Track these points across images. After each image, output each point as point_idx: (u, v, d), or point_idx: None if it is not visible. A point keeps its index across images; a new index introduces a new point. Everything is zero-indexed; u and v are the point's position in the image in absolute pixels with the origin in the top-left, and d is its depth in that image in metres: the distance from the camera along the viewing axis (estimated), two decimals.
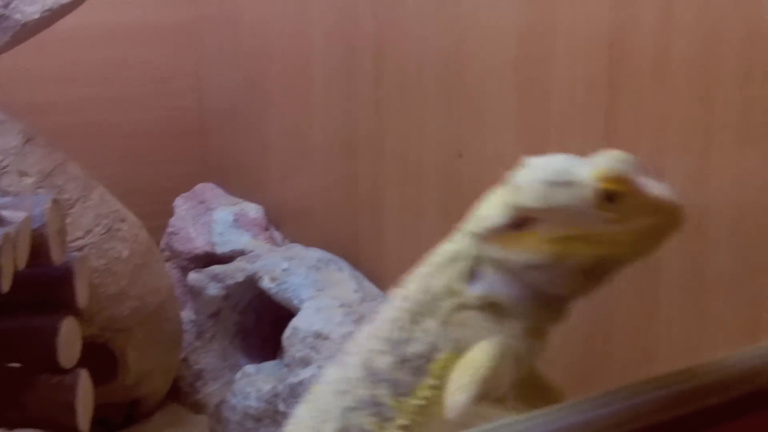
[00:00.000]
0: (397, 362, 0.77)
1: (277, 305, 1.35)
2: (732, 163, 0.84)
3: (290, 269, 1.32)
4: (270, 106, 1.70)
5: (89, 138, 1.82)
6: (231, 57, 1.82)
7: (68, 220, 1.22)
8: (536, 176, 0.72)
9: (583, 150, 0.99)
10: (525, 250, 0.72)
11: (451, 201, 1.23)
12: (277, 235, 1.66)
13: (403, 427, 0.76)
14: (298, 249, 1.43)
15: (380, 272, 1.40)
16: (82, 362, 1.15)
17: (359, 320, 1.24)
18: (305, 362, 1.20)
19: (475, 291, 0.76)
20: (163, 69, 1.91)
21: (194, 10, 1.92)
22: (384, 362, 0.77)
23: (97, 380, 1.20)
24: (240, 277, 1.39)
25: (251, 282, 1.37)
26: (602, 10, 0.96)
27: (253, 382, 1.27)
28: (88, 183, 1.31)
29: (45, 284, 1.13)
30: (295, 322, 1.23)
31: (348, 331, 1.22)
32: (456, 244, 0.78)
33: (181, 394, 1.43)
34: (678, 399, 0.69)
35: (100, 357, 1.26)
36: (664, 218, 0.70)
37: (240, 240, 1.59)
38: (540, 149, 1.05)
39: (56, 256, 1.11)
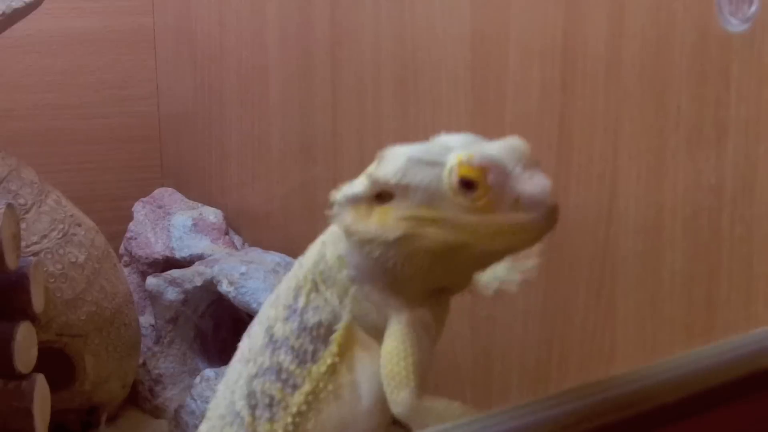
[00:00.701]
0: (298, 330, 0.75)
1: (236, 309, 1.35)
2: (685, 163, 0.85)
3: (248, 273, 1.32)
4: (228, 111, 1.70)
5: (46, 144, 1.82)
6: (188, 63, 1.82)
7: (23, 226, 1.21)
8: (404, 151, 0.70)
9: (539, 152, 1.00)
10: (373, 223, 0.69)
11: None
12: (237, 239, 1.66)
13: (308, 392, 0.75)
14: (256, 253, 1.43)
15: None
16: (38, 368, 1.14)
17: None
18: None
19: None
20: (121, 75, 1.91)
21: (151, 16, 1.92)
22: (285, 329, 0.76)
23: (54, 386, 1.19)
24: (198, 282, 1.38)
25: (210, 286, 1.37)
26: (555, 14, 0.97)
27: (212, 386, 1.26)
28: (44, 188, 1.30)
29: (0, 290, 1.12)
30: (252, 326, 1.23)
31: None
32: None
33: (140, 399, 1.43)
34: (630, 399, 0.70)
35: (56, 363, 1.25)
36: (527, 216, 0.65)
37: (199, 244, 1.59)
38: None
39: (11, 262, 1.10)
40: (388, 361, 0.70)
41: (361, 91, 1.30)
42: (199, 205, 1.70)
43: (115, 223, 1.71)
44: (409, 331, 0.71)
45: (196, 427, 1.26)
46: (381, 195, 0.70)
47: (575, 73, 0.96)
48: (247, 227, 1.68)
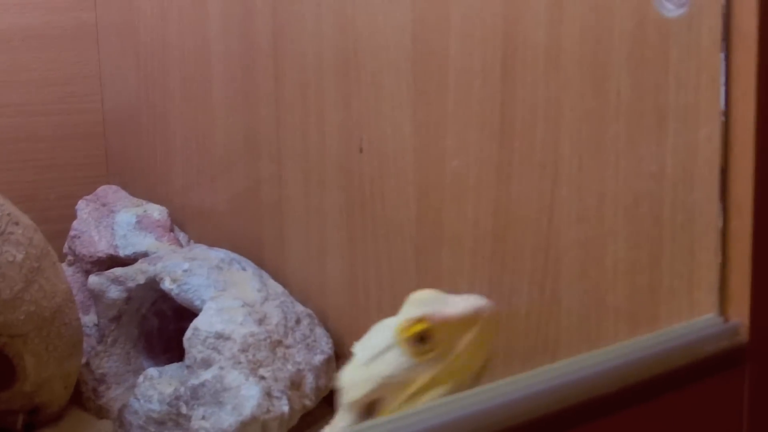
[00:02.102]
0: None
1: (181, 307, 1.33)
2: (626, 151, 0.85)
3: (191, 270, 1.30)
4: (171, 106, 1.68)
5: None
6: (132, 58, 1.80)
7: None
8: (354, 364, 0.75)
9: (480, 141, 0.99)
10: None
11: (354, 196, 1.22)
12: (182, 236, 1.64)
13: None
14: (200, 250, 1.41)
15: (285, 270, 1.39)
16: None
17: (262, 320, 1.23)
18: (207, 363, 1.18)
19: None
20: (63, 72, 1.89)
21: (93, 11, 1.90)
22: None
23: None
24: (141, 279, 1.36)
25: (153, 284, 1.35)
26: (495, 2, 0.96)
27: (155, 385, 1.24)
28: None
29: None
30: (195, 323, 1.22)
31: (250, 331, 1.20)
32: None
33: (83, 399, 1.40)
34: (572, 390, 0.69)
35: None
36: (479, 326, 0.73)
37: (143, 242, 1.57)
38: (437, 142, 1.05)
39: None
40: None
41: (304, 82, 1.29)
42: (144, 202, 1.68)
43: (59, 222, 1.69)
44: None
45: (140, 427, 1.25)
46: (369, 410, 0.74)
47: (515, 60, 0.95)
48: (193, 224, 1.66)
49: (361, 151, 1.19)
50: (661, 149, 0.81)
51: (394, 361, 0.72)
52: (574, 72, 0.89)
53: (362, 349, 0.75)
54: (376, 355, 0.73)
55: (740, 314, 0.76)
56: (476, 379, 0.77)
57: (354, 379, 0.74)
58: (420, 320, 0.72)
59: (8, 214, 1.26)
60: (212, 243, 1.51)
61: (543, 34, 0.91)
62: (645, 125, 0.83)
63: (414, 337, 0.71)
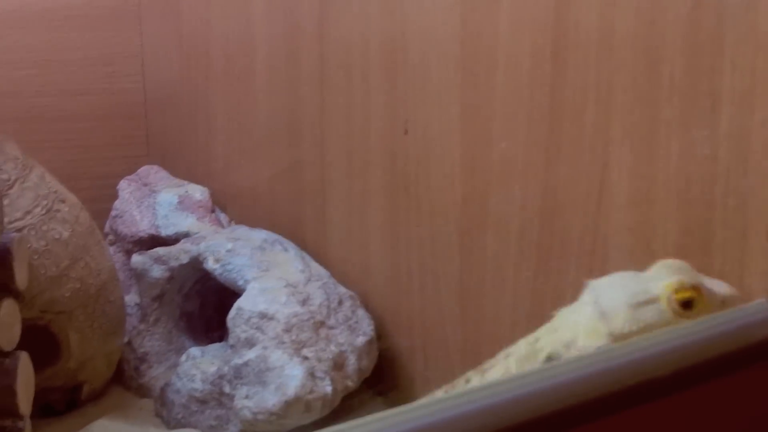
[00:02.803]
0: None
1: (223, 287, 1.33)
2: (678, 134, 0.84)
3: (234, 250, 1.31)
4: (214, 87, 1.68)
5: (30, 122, 1.81)
6: (174, 38, 1.80)
7: (6, 201, 1.20)
8: (620, 301, 0.78)
9: (528, 124, 0.99)
10: None
11: (397, 178, 1.22)
12: (223, 217, 1.64)
13: None
14: (242, 230, 1.42)
15: (326, 252, 1.39)
16: (22, 345, 1.12)
17: (305, 300, 1.23)
18: (250, 343, 1.18)
19: None
20: (105, 51, 1.90)
21: None
22: None
23: (39, 364, 1.18)
24: (184, 259, 1.37)
25: (195, 263, 1.35)
26: None
27: (198, 365, 1.25)
28: (27, 163, 1.28)
29: None
30: (239, 303, 1.22)
31: (294, 311, 1.20)
32: (532, 345, 0.83)
33: (125, 378, 1.41)
34: (624, 372, 0.69)
35: (41, 340, 1.24)
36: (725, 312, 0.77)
37: (185, 222, 1.57)
38: (485, 125, 1.05)
39: None
40: None
41: (349, 64, 1.29)
42: (185, 182, 1.69)
43: (100, 202, 1.70)
44: None
45: (183, 405, 1.25)
46: None
47: (567, 43, 0.94)
48: (233, 205, 1.66)
49: (406, 132, 1.19)
50: (715, 133, 0.81)
51: (658, 313, 0.76)
52: (626, 55, 0.88)
53: (617, 287, 0.79)
54: (642, 301, 0.77)
55: None
56: None
57: (617, 313, 0.77)
58: (693, 287, 0.76)
59: (55, 192, 1.27)
60: (253, 224, 1.51)
61: (595, 15, 0.91)
62: (698, 109, 0.82)
63: (683, 300, 0.75)
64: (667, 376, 0.70)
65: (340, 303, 1.26)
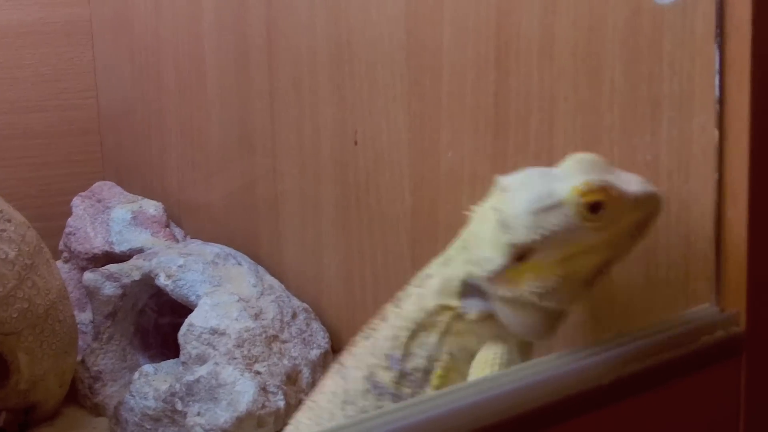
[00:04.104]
0: (398, 377, 0.80)
1: (177, 303, 1.32)
2: (620, 140, 0.84)
3: (186, 265, 1.30)
4: (166, 102, 1.67)
5: None
6: (126, 54, 1.79)
7: None
8: (522, 207, 0.74)
9: (474, 133, 0.99)
10: (533, 282, 0.74)
11: (349, 189, 1.21)
12: (178, 231, 1.63)
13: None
14: (195, 245, 1.41)
15: (281, 265, 1.39)
16: None
17: (258, 315, 1.22)
18: (202, 359, 1.18)
19: (470, 310, 0.79)
20: (58, 68, 1.88)
21: (87, 7, 1.89)
22: (386, 377, 0.81)
23: None
24: (136, 276, 1.36)
25: (148, 280, 1.34)
26: None
27: (151, 382, 1.24)
28: None
29: None
30: (190, 319, 1.21)
31: (245, 326, 1.20)
32: (446, 268, 0.81)
33: (80, 397, 1.40)
34: (568, 380, 0.69)
35: None
36: (646, 211, 0.73)
37: (139, 238, 1.56)
38: (432, 135, 1.05)
39: None
40: (479, 367, 0.78)
41: (298, 76, 1.28)
42: (139, 198, 1.67)
43: (55, 219, 1.69)
44: (504, 352, 0.78)
45: (136, 424, 1.24)
46: (519, 256, 0.74)
47: (509, 51, 0.94)
48: (189, 219, 1.65)
49: (355, 144, 1.19)
50: (656, 139, 0.81)
51: (563, 218, 0.72)
52: (567, 62, 0.88)
53: (522, 191, 0.75)
54: (546, 206, 0.72)
55: (737, 304, 0.76)
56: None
57: (518, 222, 0.73)
58: (601, 189, 0.71)
59: (0, 211, 1.26)
60: (208, 238, 1.50)
61: (536, 23, 0.91)
62: (639, 115, 0.82)
63: (589, 204, 0.71)
64: (611, 383, 0.70)
65: (294, 316, 1.26)
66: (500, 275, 0.75)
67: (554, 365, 0.70)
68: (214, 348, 1.17)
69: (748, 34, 0.73)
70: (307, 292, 1.33)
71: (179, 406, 1.18)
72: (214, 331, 1.19)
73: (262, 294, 1.26)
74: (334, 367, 0.86)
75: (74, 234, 1.61)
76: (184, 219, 1.66)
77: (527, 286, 0.74)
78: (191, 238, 1.59)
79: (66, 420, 1.38)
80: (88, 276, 1.40)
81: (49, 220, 1.69)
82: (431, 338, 0.80)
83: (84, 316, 1.48)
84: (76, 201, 1.68)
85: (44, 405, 1.33)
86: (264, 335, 1.20)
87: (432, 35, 1.04)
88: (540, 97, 0.91)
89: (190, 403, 1.16)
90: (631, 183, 0.73)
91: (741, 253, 0.75)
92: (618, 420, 0.71)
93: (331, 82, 1.22)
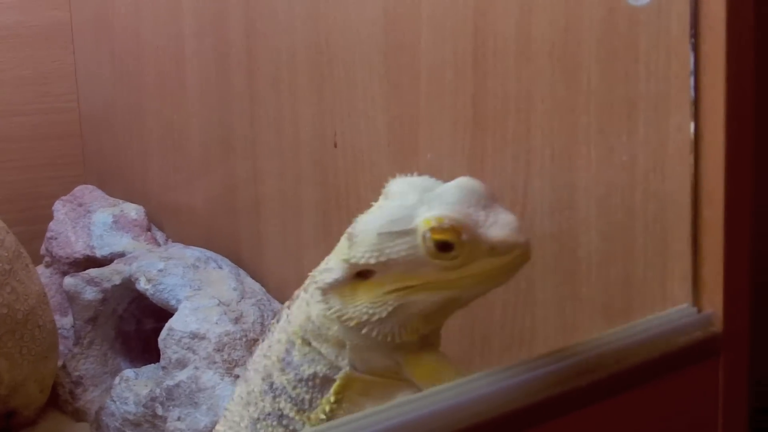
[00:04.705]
0: (295, 380, 0.78)
1: (157, 307, 1.32)
2: (597, 141, 0.84)
3: (166, 269, 1.29)
4: (147, 105, 1.67)
5: None
6: (107, 57, 1.79)
7: None
8: (373, 225, 0.71)
9: (453, 134, 0.99)
10: (362, 303, 0.71)
11: (329, 191, 1.21)
12: (160, 235, 1.63)
13: None
14: (176, 249, 1.40)
15: (262, 268, 1.38)
16: None
17: (238, 318, 1.22)
18: (182, 364, 1.17)
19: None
20: (39, 71, 1.88)
21: (68, 10, 1.88)
22: (282, 380, 0.78)
23: None
24: (117, 280, 1.35)
25: (128, 284, 1.34)
26: None
27: (131, 387, 1.23)
28: None
29: None
30: (170, 323, 1.21)
31: (225, 330, 1.19)
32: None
33: (61, 402, 1.39)
34: (546, 381, 0.69)
35: None
36: (503, 260, 0.68)
37: (120, 242, 1.56)
38: (411, 136, 1.04)
39: None
40: (429, 379, 0.74)
41: (277, 78, 1.28)
42: (120, 201, 1.67)
43: (37, 223, 1.68)
44: (438, 354, 0.76)
45: (117, 429, 1.24)
46: (361, 272, 0.71)
47: (486, 51, 0.94)
48: (170, 222, 1.65)
49: (335, 146, 1.18)
50: (632, 139, 0.80)
51: (408, 249, 0.68)
52: (544, 62, 0.88)
53: (384, 211, 0.71)
54: (396, 231, 0.69)
55: (714, 304, 0.76)
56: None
57: (363, 239, 0.70)
58: (452, 229, 0.67)
59: None
60: (190, 241, 1.50)
61: (513, 24, 0.90)
62: (616, 115, 0.82)
63: (438, 242, 0.67)
64: (589, 384, 0.70)
65: None
66: (336, 289, 0.72)
67: (531, 367, 0.69)
68: (194, 352, 1.17)
69: (722, 33, 0.72)
70: (288, 295, 1.32)
71: (160, 411, 1.18)
72: (194, 336, 1.18)
73: (242, 297, 1.26)
74: (243, 372, 0.85)
75: (56, 238, 1.60)
76: (166, 222, 1.65)
77: (356, 307, 0.71)
78: (173, 242, 1.59)
79: (47, 425, 1.37)
80: (69, 281, 1.39)
81: (31, 223, 1.68)
82: (327, 347, 0.76)
83: (66, 321, 1.47)
84: (58, 205, 1.68)
85: (25, 410, 1.33)
86: (244, 339, 1.19)
87: (410, 36, 1.03)
88: (517, 98, 0.91)
89: (171, 407, 1.16)
90: (497, 226, 0.69)
91: (718, 254, 0.75)
92: (596, 422, 0.71)
93: (310, 83, 1.21)
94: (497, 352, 0.99)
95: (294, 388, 0.78)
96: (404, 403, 0.64)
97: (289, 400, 0.78)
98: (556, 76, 0.87)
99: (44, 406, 1.38)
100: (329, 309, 0.73)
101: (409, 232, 0.69)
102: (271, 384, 0.79)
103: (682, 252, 0.77)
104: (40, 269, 1.57)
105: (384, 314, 0.70)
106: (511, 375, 0.68)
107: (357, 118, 1.14)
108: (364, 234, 0.71)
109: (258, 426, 0.80)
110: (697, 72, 0.74)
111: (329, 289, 0.73)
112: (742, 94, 0.74)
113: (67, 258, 1.57)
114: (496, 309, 0.98)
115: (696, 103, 0.74)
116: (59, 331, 1.43)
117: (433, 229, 0.67)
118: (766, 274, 0.83)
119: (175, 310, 1.24)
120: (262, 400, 0.80)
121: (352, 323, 0.72)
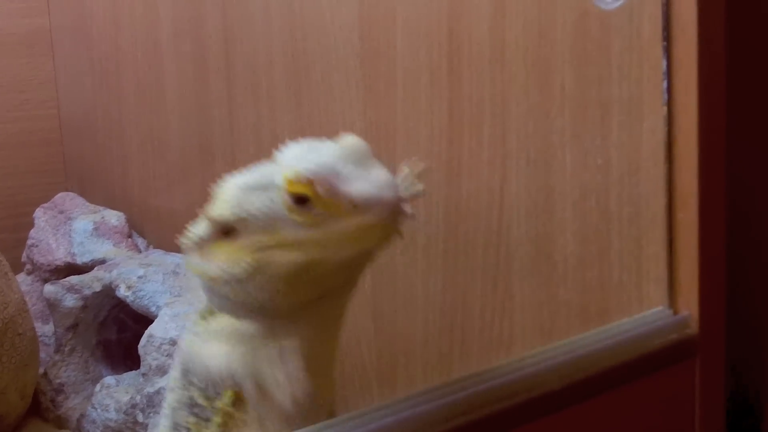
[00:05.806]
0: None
1: (138, 314, 1.32)
2: (572, 144, 0.84)
3: (146, 276, 1.29)
4: (127, 111, 1.67)
5: None
6: (86, 64, 1.78)
7: None
8: (235, 182, 0.69)
9: (429, 139, 0.99)
10: (219, 262, 0.68)
11: None
12: (141, 241, 1.63)
13: (221, 425, 0.74)
14: (156, 255, 1.40)
15: None
16: None
17: None
18: (162, 371, 1.17)
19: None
20: (19, 79, 1.87)
21: (47, 17, 1.88)
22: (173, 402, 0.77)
23: None
24: (97, 287, 1.35)
25: (109, 291, 1.33)
26: None
27: (112, 394, 1.23)
28: None
29: None
30: (150, 330, 1.20)
31: None
32: None
33: (42, 409, 1.39)
34: (522, 384, 0.69)
35: None
36: (366, 220, 0.64)
37: (101, 249, 1.55)
38: (388, 141, 1.04)
39: None
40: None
41: (255, 83, 1.28)
42: (101, 208, 1.67)
43: (18, 231, 1.68)
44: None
45: None
46: (226, 232, 0.68)
47: (461, 56, 0.94)
48: (151, 229, 1.64)
49: None
50: (606, 142, 0.81)
51: (268, 203, 0.65)
52: (518, 67, 0.88)
53: (251, 171, 0.69)
54: (256, 185, 0.66)
55: (689, 306, 0.76)
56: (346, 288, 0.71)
57: (225, 195, 0.68)
58: (308, 182, 0.63)
59: None
60: (171, 248, 1.50)
61: (486, 28, 0.91)
62: (590, 118, 0.82)
63: (294, 195, 0.63)
64: (564, 387, 0.70)
65: None
66: (200, 247, 0.70)
67: (505, 371, 0.70)
68: (174, 359, 1.17)
69: (694, 36, 0.73)
70: None
71: (140, 418, 1.18)
72: (174, 342, 1.18)
73: None
74: None
75: (36, 246, 1.60)
76: (147, 229, 1.65)
77: (214, 266, 0.68)
78: (154, 248, 1.58)
79: None
80: (49, 288, 1.39)
81: (12, 231, 1.68)
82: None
83: (47, 329, 1.47)
84: (38, 212, 1.67)
85: (6, 418, 1.32)
86: None
87: (385, 41, 1.03)
88: (492, 102, 0.91)
89: (151, 414, 1.15)
90: (361, 182, 0.64)
91: (693, 256, 0.75)
92: (572, 424, 0.71)
93: (287, 89, 1.21)
94: (476, 355, 0.99)
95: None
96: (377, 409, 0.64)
97: (198, 387, 0.75)
98: (531, 80, 0.87)
99: (25, 414, 1.38)
100: (191, 265, 0.71)
101: (269, 186, 0.66)
102: (186, 370, 0.77)
103: (657, 254, 0.78)
104: (22, 277, 1.56)
105: (238, 273, 0.67)
106: (481, 380, 0.69)
107: (335, 124, 1.14)
108: (226, 189, 0.69)
109: (175, 414, 0.78)
110: (669, 75, 0.74)
111: (194, 248, 0.71)
112: (715, 97, 0.75)
113: (48, 265, 1.57)
114: (474, 312, 0.98)
115: (669, 105, 0.75)
116: (40, 338, 1.43)
117: (289, 182, 0.64)
118: (743, 274, 0.83)
119: (155, 316, 1.24)
120: (179, 387, 0.78)
121: (206, 280, 0.70)
